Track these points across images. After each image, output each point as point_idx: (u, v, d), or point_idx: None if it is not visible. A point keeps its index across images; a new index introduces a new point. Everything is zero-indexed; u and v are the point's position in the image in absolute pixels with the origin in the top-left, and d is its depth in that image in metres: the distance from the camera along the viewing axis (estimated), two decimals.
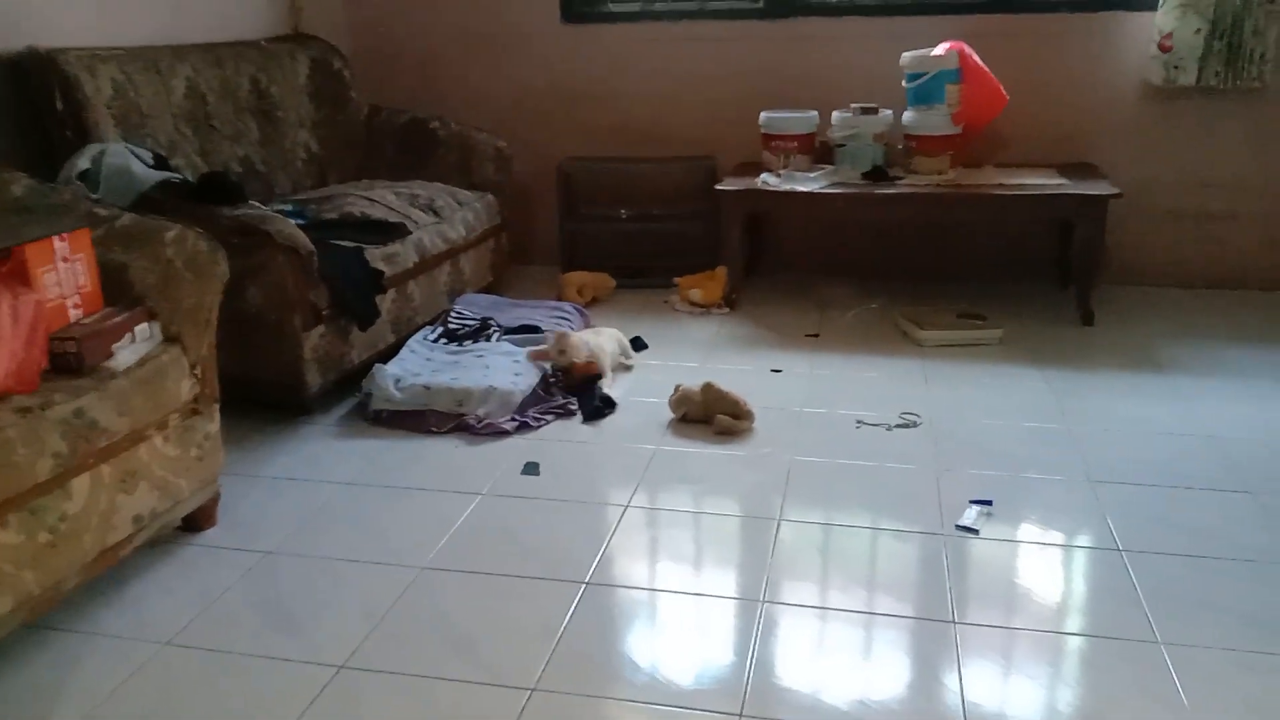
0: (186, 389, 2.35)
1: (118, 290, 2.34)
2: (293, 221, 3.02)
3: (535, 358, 3.30)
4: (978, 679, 1.90)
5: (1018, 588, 2.19)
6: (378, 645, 2.02)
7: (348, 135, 4.27)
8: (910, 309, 3.89)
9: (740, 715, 1.81)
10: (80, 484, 2.05)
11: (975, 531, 2.41)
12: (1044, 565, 2.28)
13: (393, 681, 1.91)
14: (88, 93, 3.05)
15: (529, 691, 1.87)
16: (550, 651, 1.99)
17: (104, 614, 2.15)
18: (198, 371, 2.38)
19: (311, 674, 1.94)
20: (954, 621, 2.07)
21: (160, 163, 3.02)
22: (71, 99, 3.01)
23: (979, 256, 4.45)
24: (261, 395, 3.08)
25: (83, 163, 2.82)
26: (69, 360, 2.11)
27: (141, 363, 2.22)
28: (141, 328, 2.27)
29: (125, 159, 2.89)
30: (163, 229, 2.39)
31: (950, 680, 1.89)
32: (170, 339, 2.34)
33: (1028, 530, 2.42)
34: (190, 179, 3.04)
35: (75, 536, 2.05)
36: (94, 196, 2.63)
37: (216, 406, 2.47)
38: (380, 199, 3.65)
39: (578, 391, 3.19)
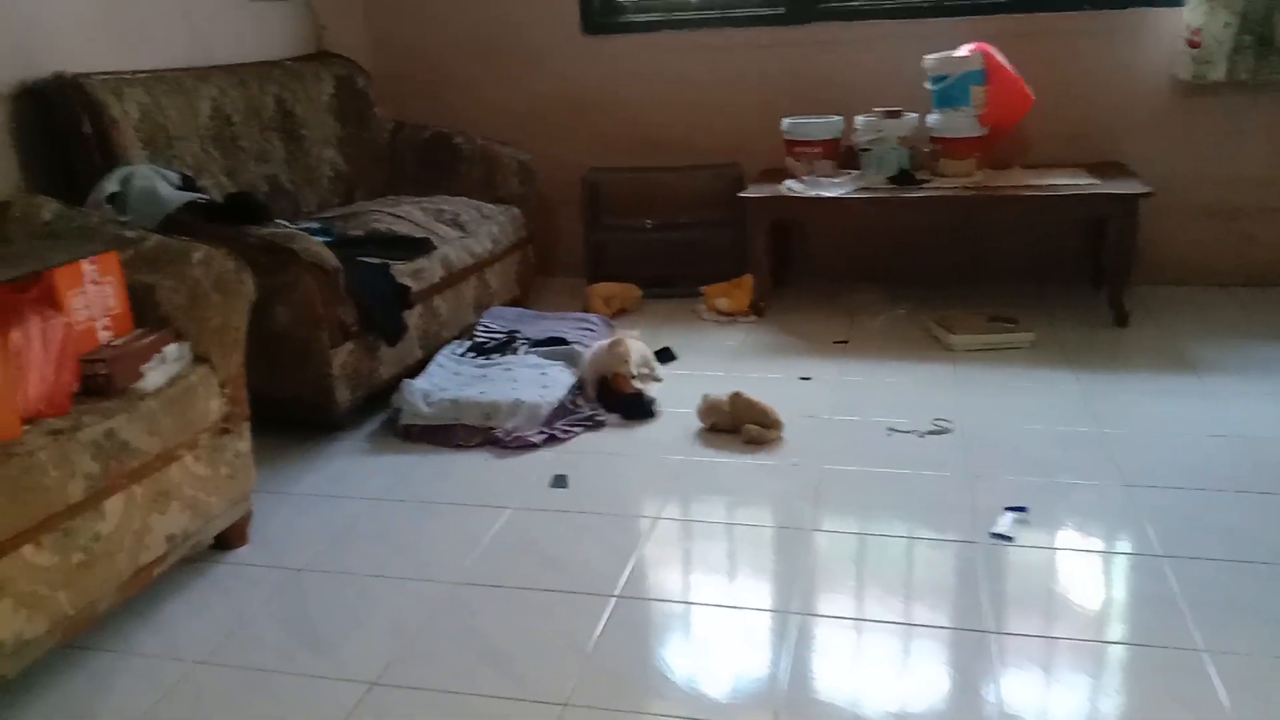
0: (216, 408, 2.36)
1: (146, 312, 2.36)
2: (319, 239, 3.03)
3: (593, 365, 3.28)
4: (1017, 690, 1.86)
5: (1055, 596, 2.15)
6: (409, 662, 2.01)
7: (372, 152, 4.29)
8: (940, 313, 3.85)
9: None
10: (113, 505, 2.07)
11: (1010, 539, 2.37)
12: (1081, 572, 2.24)
13: (424, 698, 1.91)
14: (115, 116, 3.08)
15: (561, 707, 1.86)
16: (582, 666, 1.97)
17: (138, 633, 2.16)
18: (227, 391, 2.39)
19: (343, 691, 1.93)
20: (991, 632, 2.04)
21: (188, 183, 3.05)
22: (99, 123, 3.04)
23: (1008, 259, 4.40)
24: (291, 413, 3.09)
25: (111, 186, 2.85)
26: (99, 382, 2.13)
27: (171, 383, 2.24)
28: (170, 348, 2.29)
29: (152, 181, 2.91)
30: (189, 250, 2.41)
31: (989, 692, 1.86)
32: (199, 359, 2.35)
33: (1064, 536, 2.39)
34: (217, 199, 3.06)
35: (109, 557, 2.06)
36: (122, 219, 2.66)
37: (247, 425, 2.48)
38: (406, 215, 3.67)
39: (614, 403, 3.17)
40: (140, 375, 2.19)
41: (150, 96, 3.31)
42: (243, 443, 2.46)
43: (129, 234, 2.46)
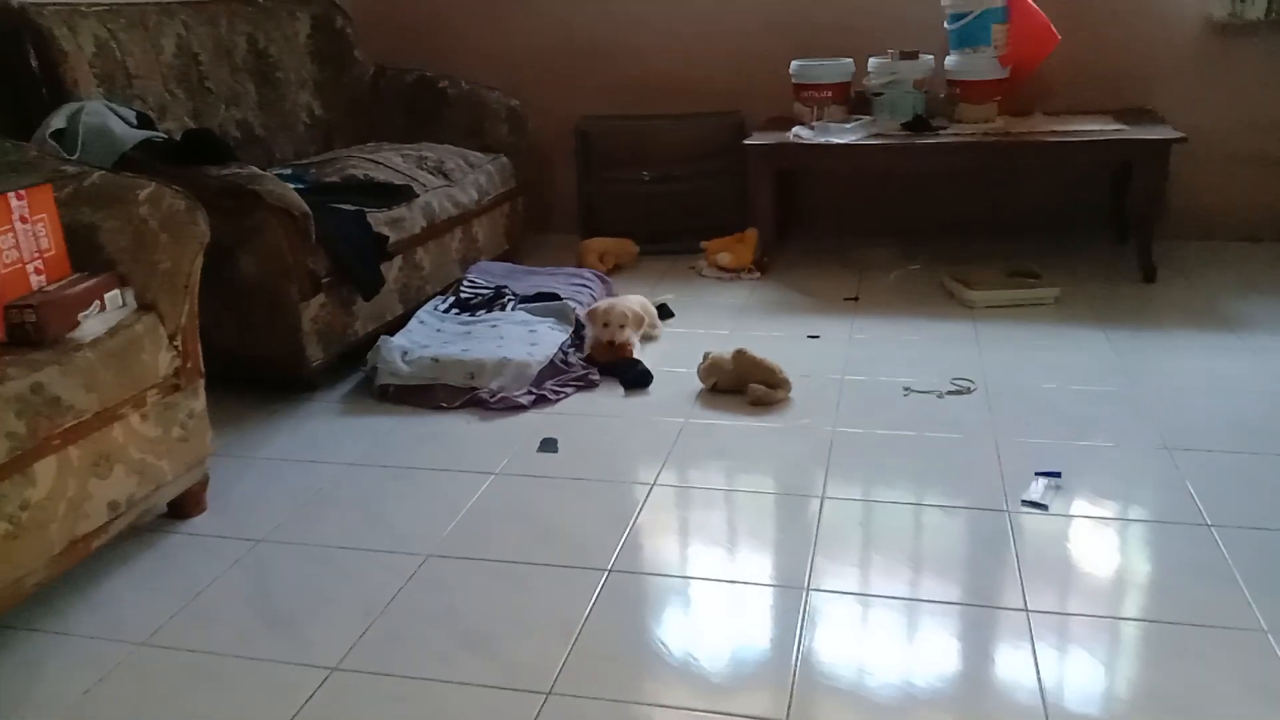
0: (165, 362, 2.13)
1: (87, 254, 2.12)
2: (290, 185, 2.79)
3: (593, 317, 3.05)
4: (1058, 673, 1.64)
5: (1096, 570, 1.93)
6: (375, 644, 1.80)
7: (352, 97, 4.03)
8: (958, 268, 3.62)
9: (787, 714, 1.57)
10: (44, 468, 1.84)
11: (1044, 507, 2.15)
12: (1124, 543, 2.02)
13: (391, 686, 1.69)
14: (65, 49, 2.83)
15: (544, 695, 1.64)
16: (569, 649, 1.75)
17: (75, 612, 1.94)
18: (177, 343, 2.16)
19: (301, 678, 1.72)
20: (1026, 610, 1.82)
21: (145, 122, 2.80)
22: (46, 55, 2.79)
23: (1028, 212, 4.16)
24: (260, 372, 2.87)
25: (57, 121, 2.61)
26: (27, 331, 1.89)
27: (112, 333, 2.00)
28: (112, 294, 2.05)
29: (104, 118, 2.67)
30: (136, 187, 2.17)
31: (1026, 675, 1.64)
32: (145, 307, 2.12)
33: (1102, 504, 2.16)
34: (175, 138, 2.81)
35: (40, 527, 1.83)
36: (67, 157, 2.41)
37: (201, 382, 2.25)
38: (386, 161, 3.42)
39: (610, 368, 2.95)
40: (76, 324, 1.96)
41: (107, 30, 3.06)
42: (197, 402, 2.23)
43: (69, 169, 2.22)
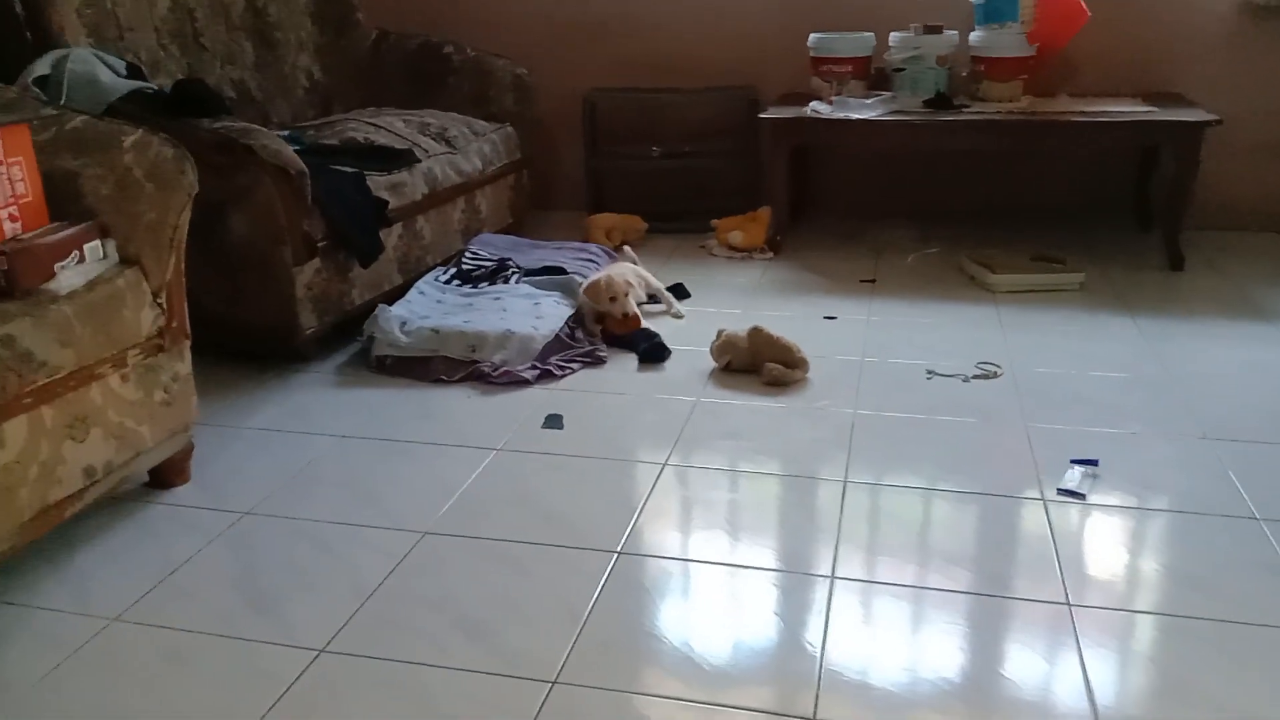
0: (149, 320, 1.99)
1: (67, 203, 1.98)
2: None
3: (594, 294, 2.91)
4: (1105, 672, 1.52)
5: (1140, 562, 1.81)
6: (366, 626, 1.66)
7: (353, 61, 3.88)
8: (979, 252, 3.48)
9: (812, 719, 1.44)
10: (15, 428, 1.70)
11: (1081, 496, 2.02)
12: (1169, 536, 1.89)
13: (381, 670, 1.56)
14: None
15: (549, 685, 1.51)
16: (575, 636, 1.62)
17: (45, 584, 1.80)
18: (161, 300, 2.02)
19: (284, 659, 1.58)
20: (1069, 604, 1.69)
21: (135, 73, 2.66)
22: (31, 1, 2.64)
23: (1049, 198, 4.03)
24: (251, 340, 2.73)
25: (41, 68, 2.47)
26: None
27: (90, 286, 1.86)
28: (92, 246, 1.91)
29: (92, 66, 2.53)
30: (121, 133, 2.03)
31: (1071, 674, 1.51)
32: (128, 261, 1.98)
33: (1142, 494, 2.04)
34: (166, 90, 2.67)
35: (9, 491, 1.70)
36: (46, 102, 2.27)
37: (187, 343, 2.11)
38: (387, 125, 3.28)
39: (624, 340, 2.81)
40: (52, 275, 1.82)
41: None
42: (182, 364, 2.10)
43: (49, 111, 2.07)
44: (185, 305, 2.10)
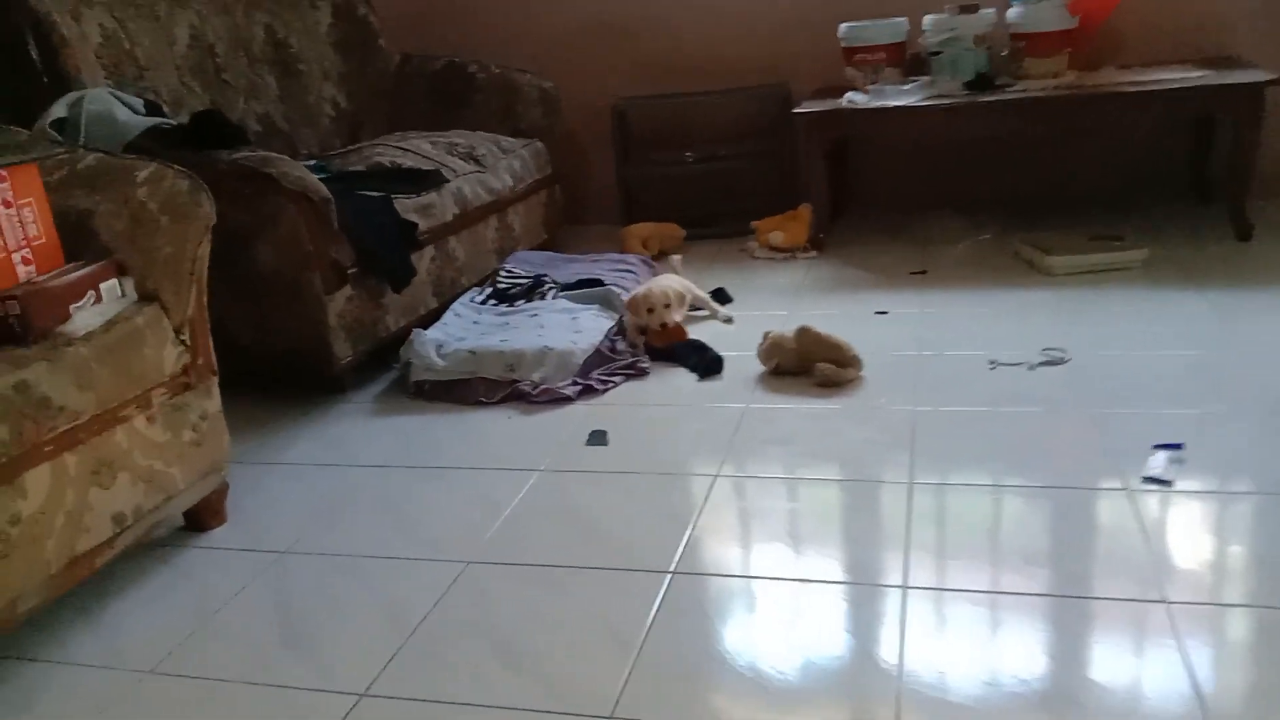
0: (172, 358, 1.92)
1: (82, 242, 1.92)
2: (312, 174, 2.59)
3: (633, 307, 2.81)
4: (1214, 676, 1.37)
5: (1241, 553, 1.65)
6: (408, 665, 1.57)
7: (378, 87, 3.83)
8: (1033, 235, 3.33)
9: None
10: (37, 477, 1.64)
11: (1168, 483, 1.87)
12: (1269, 522, 1.74)
13: (425, 712, 1.46)
14: (66, 35, 2.66)
15: None
16: (630, 666, 1.51)
17: (76, 637, 1.73)
18: (185, 337, 1.95)
19: (324, 706, 1.49)
20: (1166, 601, 1.54)
21: (153, 110, 2.61)
22: (46, 44, 2.62)
23: (1102, 177, 3.85)
24: (285, 372, 2.67)
25: (58, 110, 2.43)
26: (10, 325, 1.69)
27: (108, 326, 1.80)
28: (109, 285, 1.85)
29: (108, 105, 2.48)
30: (134, 168, 1.98)
31: (1176, 679, 1.37)
32: (147, 298, 1.92)
33: (1233, 479, 1.88)
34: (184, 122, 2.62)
35: (34, 543, 1.63)
36: (61, 143, 2.22)
37: (214, 380, 2.04)
38: (414, 148, 3.22)
39: (670, 354, 2.71)
40: (68, 316, 1.76)
41: (115, 20, 2.90)
42: (210, 401, 2.03)
43: (61, 152, 2.02)
44: (210, 340, 2.03)
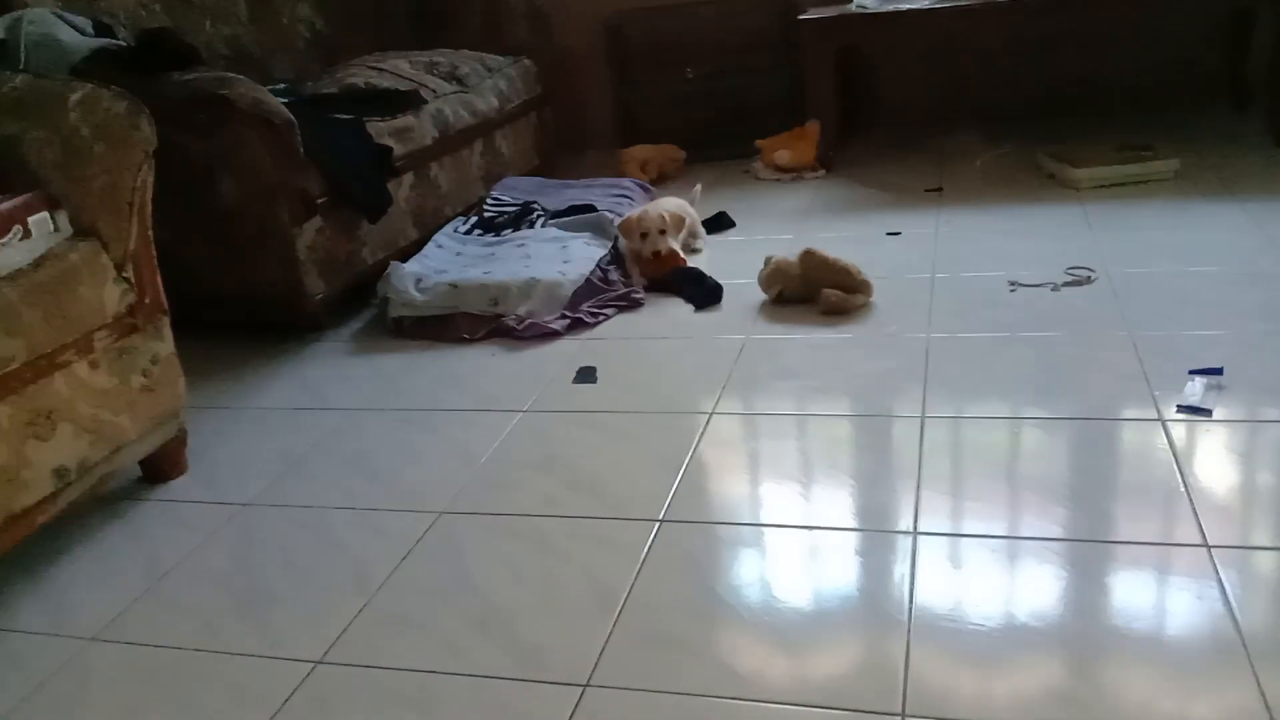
0: (115, 298, 1.76)
1: (8, 174, 1.75)
2: (278, 99, 2.40)
3: (626, 230, 2.63)
4: (1256, 615, 1.21)
5: None
6: (371, 628, 1.43)
7: (355, 8, 3.61)
8: (1057, 147, 3.11)
9: (902, 714, 1.16)
10: None
11: (1207, 412, 1.70)
12: None
13: (386, 682, 1.32)
14: None
15: (580, 689, 1.26)
16: (610, 629, 1.37)
17: (18, 601, 1.60)
18: (128, 274, 1.79)
19: (276, 675, 1.36)
20: (1207, 544, 1.38)
21: (102, 31, 2.42)
22: None
23: (1130, 83, 3.61)
24: (257, 311, 2.51)
25: None
26: None
27: (37, 264, 1.64)
28: (38, 219, 1.69)
29: (51, 26, 2.29)
30: (65, 91, 1.79)
31: (1222, 628, 1.21)
32: (83, 232, 1.75)
33: (1279, 404, 1.71)
34: (130, 42, 2.43)
35: None
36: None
37: (166, 320, 1.89)
38: (391, 68, 3.02)
39: (667, 283, 2.53)
40: None
41: None
42: (161, 344, 1.87)
43: None
44: (158, 277, 1.87)
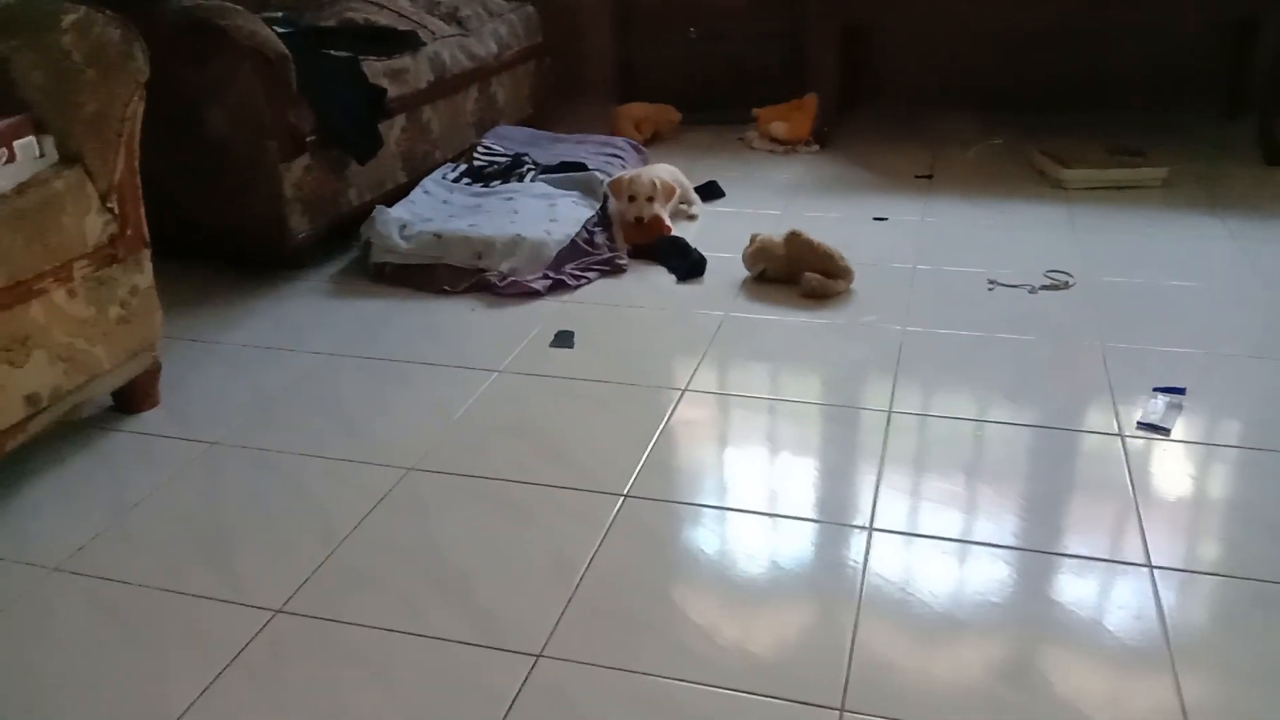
0: (97, 228, 1.75)
1: None
2: (275, 30, 2.37)
3: (615, 190, 2.63)
4: (1197, 658, 1.26)
5: (1234, 512, 1.53)
6: (332, 581, 1.45)
7: None
8: (1050, 144, 3.12)
9: (840, 709, 1.20)
10: None
11: (1165, 431, 1.74)
12: (1269, 482, 1.61)
13: (342, 637, 1.35)
14: None
15: (533, 659, 1.30)
16: (568, 599, 1.40)
17: None
18: (111, 205, 1.78)
19: (234, 621, 1.38)
20: (1150, 565, 1.43)
21: None
22: None
23: (1127, 80, 3.62)
24: (238, 246, 2.50)
25: None
26: None
27: (20, 190, 1.63)
28: (24, 143, 1.67)
29: None
30: (59, 11, 1.77)
31: (1155, 654, 1.26)
32: (69, 159, 1.74)
33: (1238, 430, 1.75)
34: None
35: None
36: None
37: (146, 253, 1.88)
38: (390, 5, 2.97)
39: (652, 251, 2.54)
40: None
41: None
42: (141, 276, 1.87)
43: None
44: (142, 210, 1.86)
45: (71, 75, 1.73)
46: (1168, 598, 1.36)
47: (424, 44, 2.83)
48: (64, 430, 1.84)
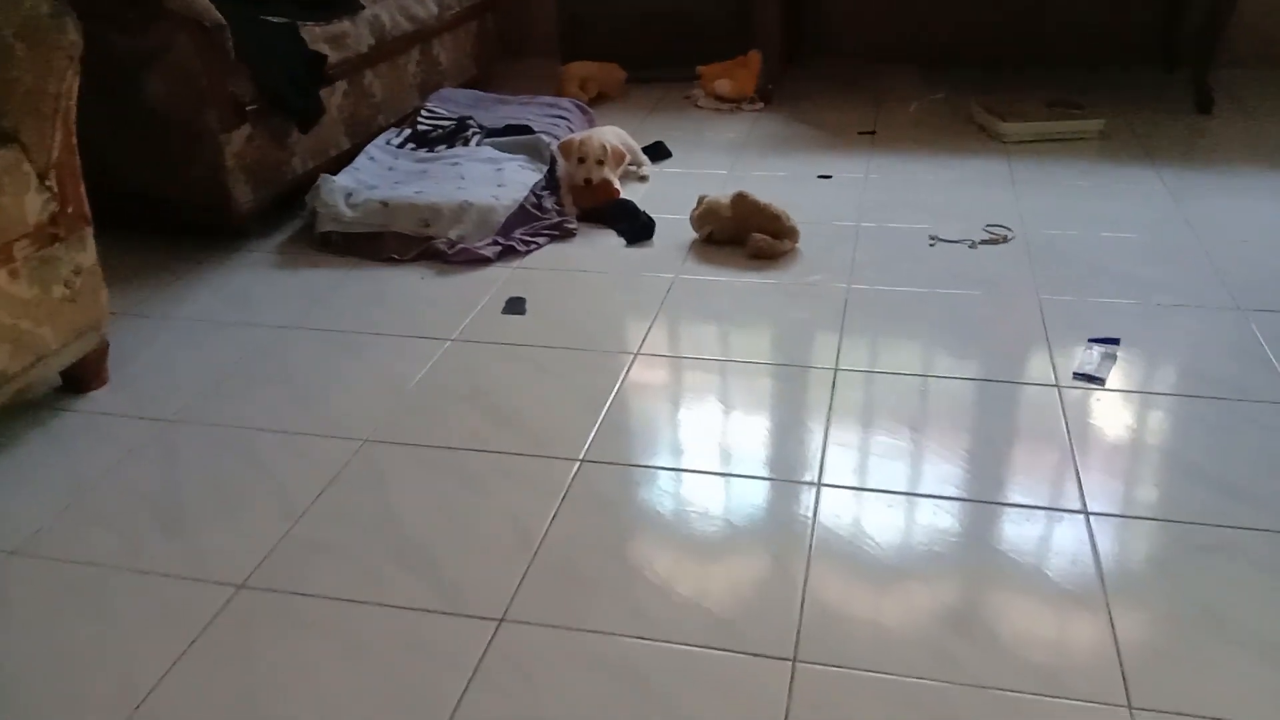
0: (36, 207, 1.73)
1: None
2: None
3: (565, 152, 2.62)
4: (1130, 601, 1.33)
5: (1166, 458, 1.60)
6: (294, 554, 1.47)
7: None
8: (988, 98, 3.17)
9: (793, 660, 1.26)
10: None
11: (1100, 381, 1.81)
12: (1199, 427, 1.68)
13: (308, 608, 1.37)
14: None
15: (495, 624, 1.33)
16: (528, 563, 1.43)
17: None
18: (50, 183, 1.75)
19: (199, 597, 1.40)
20: (1086, 512, 1.49)
21: None
22: None
23: (1067, 34, 3.67)
24: (182, 218, 2.47)
25: None
26: None
27: None
28: None
29: None
30: None
31: (1091, 598, 1.32)
32: (5, 138, 1.71)
33: (1171, 378, 1.82)
34: None
35: None
36: None
37: (88, 230, 1.86)
38: None
39: (600, 214, 2.54)
40: None
41: None
42: (84, 254, 1.85)
43: None
44: (82, 187, 1.83)
45: (3, 52, 1.70)
46: (1103, 543, 1.43)
47: (362, 7, 2.79)
48: (14, 412, 1.83)
